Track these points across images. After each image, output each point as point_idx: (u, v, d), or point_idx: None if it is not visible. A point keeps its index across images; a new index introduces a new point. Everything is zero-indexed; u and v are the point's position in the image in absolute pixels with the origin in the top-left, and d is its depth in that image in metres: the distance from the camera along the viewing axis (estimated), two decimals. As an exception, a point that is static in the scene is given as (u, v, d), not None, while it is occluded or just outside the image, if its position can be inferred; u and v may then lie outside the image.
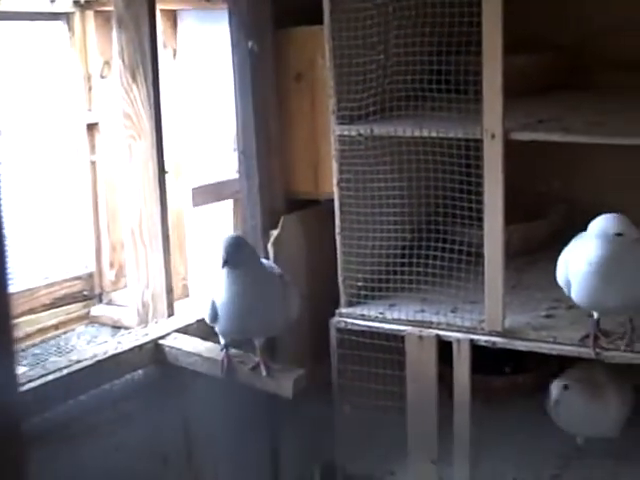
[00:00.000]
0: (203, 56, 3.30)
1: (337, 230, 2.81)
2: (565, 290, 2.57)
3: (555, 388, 2.79)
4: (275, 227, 2.89)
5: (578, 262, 2.48)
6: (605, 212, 2.47)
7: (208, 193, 3.19)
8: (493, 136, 2.54)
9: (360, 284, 2.88)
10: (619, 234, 2.38)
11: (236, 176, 2.95)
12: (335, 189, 2.79)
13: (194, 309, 2.75)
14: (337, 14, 2.67)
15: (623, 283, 2.44)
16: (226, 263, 2.36)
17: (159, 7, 2.91)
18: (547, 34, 3.22)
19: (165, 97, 2.83)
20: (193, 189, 3.13)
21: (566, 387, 2.77)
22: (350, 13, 2.69)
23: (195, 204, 3.16)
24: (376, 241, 2.86)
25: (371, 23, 2.72)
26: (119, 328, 3.02)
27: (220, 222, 3.30)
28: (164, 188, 2.70)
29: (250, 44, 2.77)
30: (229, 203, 3.20)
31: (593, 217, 3.18)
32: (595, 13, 3.20)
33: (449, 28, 2.63)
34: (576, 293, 2.51)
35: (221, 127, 3.23)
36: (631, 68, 3.17)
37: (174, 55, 3.35)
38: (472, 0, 2.46)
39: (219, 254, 2.37)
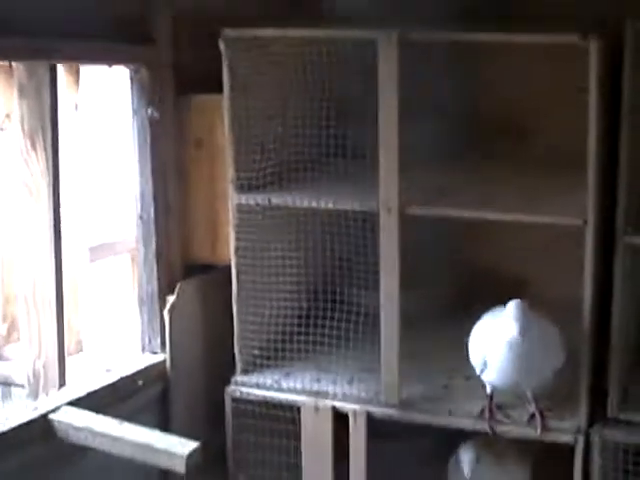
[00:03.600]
0: (105, 110, 3.27)
1: (234, 298, 2.81)
2: (478, 369, 2.58)
3: (466, 459, 2.75)
4: (172, 293, 2.85)
5: (497, 344, 2.49)
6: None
7: (105, 250, 3.17)
8: (389, 210, 2.56)
9: (256, 352, 2.87)
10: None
11: (135, 231, 2.91)
12: (232, 257, 2.79)
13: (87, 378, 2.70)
14: (237, 85, 2.68)
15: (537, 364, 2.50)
16: None
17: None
18: (445, 102, 3.24)
19: (65, 149, 2.79)
20: (90, 248, 3.10)
21: (478, 460, 2.75)
22: (249, 85, 2.69)
23: (92, 260, 3.13)
24: (273, 309, 2.86)
25: (270, 96, 2.73)
26: (10, 385, 2.94)
27: (117, 277, 3.26)
28: (60, 256, 2.63)
29: (150, 111, 2.75)
30: (127, 258, 3.17)
31: (492, 285, 3.20)
32: (492, 82, 3.23)
33: (346, 97, 2.65)
34: (495, 374, 2.53)
35: (121, 183, 3.19)
36: (520, 136, 3.22)
37: (76, 107, 3.30)
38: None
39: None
